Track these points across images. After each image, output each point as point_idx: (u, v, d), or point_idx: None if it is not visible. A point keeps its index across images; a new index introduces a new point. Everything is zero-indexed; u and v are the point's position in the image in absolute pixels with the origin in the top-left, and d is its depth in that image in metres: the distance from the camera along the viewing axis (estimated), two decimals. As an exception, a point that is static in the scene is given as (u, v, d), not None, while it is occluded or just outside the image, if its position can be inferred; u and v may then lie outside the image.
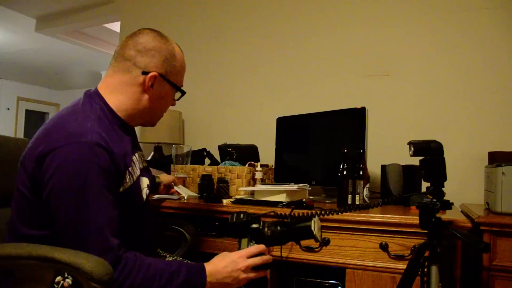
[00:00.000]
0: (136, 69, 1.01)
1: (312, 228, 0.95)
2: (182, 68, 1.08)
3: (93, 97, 1.02)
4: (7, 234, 0.98)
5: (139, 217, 1.06)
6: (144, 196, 1.06)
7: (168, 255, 1.25)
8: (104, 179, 0.88)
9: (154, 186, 1.50)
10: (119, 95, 1.02)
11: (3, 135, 1.29)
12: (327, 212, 1.02)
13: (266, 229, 1.00)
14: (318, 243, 1.32)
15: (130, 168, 0.99)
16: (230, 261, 0.97)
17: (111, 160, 0.91)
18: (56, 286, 0.88)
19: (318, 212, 1.01)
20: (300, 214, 1.06)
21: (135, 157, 1.05)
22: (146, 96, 1.03)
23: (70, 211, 0.85)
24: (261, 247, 0.99)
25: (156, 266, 0.90)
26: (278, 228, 0.99)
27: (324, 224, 1.31)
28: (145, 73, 1.00)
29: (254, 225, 1.00)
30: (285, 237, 0.99)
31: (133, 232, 1.03)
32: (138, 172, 1.04)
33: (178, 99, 1.12)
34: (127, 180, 0.97)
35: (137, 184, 1.02)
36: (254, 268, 0.97)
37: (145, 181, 1.08)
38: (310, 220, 0.96)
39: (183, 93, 1.10)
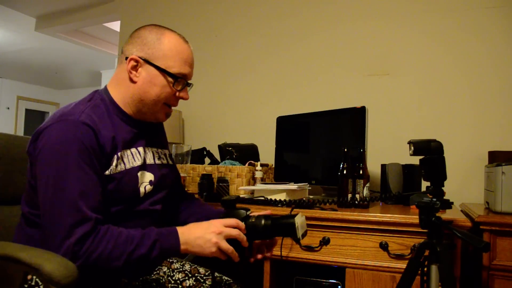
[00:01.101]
0: (123, 58, 1.05)
1: (296, 225, 0.95)
2: (172, 52, 1.04)
3: (99, 91, 1.07)
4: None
5: (135, 212, 1.04)
6: (142, 191, 1.05)
7: (175, 260, 1.22)
8: (85, 155, 0.91)
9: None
10: (117, 86, 1.06)
11: (18, 135, 1.33)
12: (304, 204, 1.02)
13: (252, 219, 1.00)
14: (316, 245, 1.32)
15: (119, 153, 0.99)
16: (205, 224, 0.96)
17: (96, 139, 0.94)
18: (30, 282, 0.88)
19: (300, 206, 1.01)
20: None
21: (137, 150, 1.06)
22: (134, 83, 1.04)
23: (50, 184, 0.88)
24: (241, 223, 0.97)
25: (127, 232, 0.91)
26: (263, 221, 0.98)
27: (324, 223, 1.31)
28: (127, 58, 1.04)
29: (241, 211, 1.01)
30: (267, 231, 0.99)
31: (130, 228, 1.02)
32: (136, 163, 1.04)
33: (180, 89, 1.06)
34: (114, 164, 0.98)
35: (130, 174, 1.01)
36: (228, 241, 0.95)
37: (148, 177, 1.07)
38: (294, 217, 0.96)
39: (174, 77, 1.04)
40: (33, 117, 7.93)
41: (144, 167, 1.06)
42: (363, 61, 2.07)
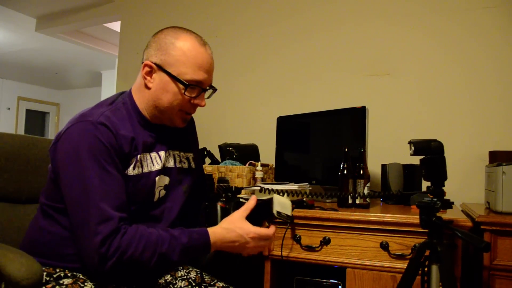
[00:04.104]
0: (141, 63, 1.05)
1: (273, 201, 0.98)
2: (185, 57, 1.00)
3: (123, 94, 1.08)
4: None
5: (149, 216, 1.03)
6: (157, 195, 1.04)
7: (181, 267, 1.18)
8: (105, 153, 0.91)
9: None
10: (137, 91, 1.07)
11: (34, 136, 1.35)
12: (283, 193, 1.09)
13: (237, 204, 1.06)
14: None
15: (139, 156, 0.99)
16: (239, 235, 1.01)
17: (115, 139, 0.94)
18: None
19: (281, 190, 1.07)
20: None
21: (157, 154, 1.05)
22: (149, 89, 1.03)
23: (73, 185, 0.90)
24: (274, 230, 1.05)
25: (157, 233, 0.93)
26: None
27: (325, 223, 1.31)
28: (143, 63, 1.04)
29: (241, 199, 1.07)
30: (249, 215, 1.04)
31: None
32: (155, 167, 1.03)
33: (195, 96, 1.05)
34: (132, 166, 0.98)
35: (147, 178, 1.01)
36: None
37: (164, 181, 1.06)
38: (271, 199, 0.98)
39: (185, 85, 1.01)
40: (33, 117, 7.93)
41: (163, 171, 1.06)
42: (363, 61, 2.07)
